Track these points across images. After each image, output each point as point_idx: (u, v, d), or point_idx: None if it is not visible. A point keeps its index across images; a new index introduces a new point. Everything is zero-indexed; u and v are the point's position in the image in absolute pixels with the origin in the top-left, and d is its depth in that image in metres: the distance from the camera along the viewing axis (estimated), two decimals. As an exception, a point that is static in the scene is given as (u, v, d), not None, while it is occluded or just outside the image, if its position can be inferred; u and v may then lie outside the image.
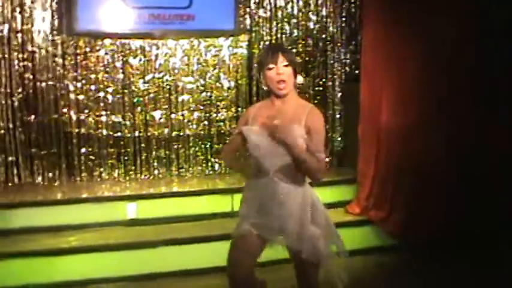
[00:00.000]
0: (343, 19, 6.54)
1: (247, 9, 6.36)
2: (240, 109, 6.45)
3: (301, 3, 6.46)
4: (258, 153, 3.05)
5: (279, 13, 6.42)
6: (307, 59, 6.54)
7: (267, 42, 6.37)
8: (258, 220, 3.10)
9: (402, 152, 5.38)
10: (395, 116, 5.40)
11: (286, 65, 3.03)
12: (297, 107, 3.10)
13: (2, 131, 5.92)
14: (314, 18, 6.50)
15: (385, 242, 5.43)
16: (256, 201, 3.12)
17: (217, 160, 6.48)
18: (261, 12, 6.40)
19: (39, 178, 6.08)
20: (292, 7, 6.45)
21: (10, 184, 6.00)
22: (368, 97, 5.63)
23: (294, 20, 6.48)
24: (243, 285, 3.16)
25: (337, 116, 6.68)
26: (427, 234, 5.23)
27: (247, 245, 3.13)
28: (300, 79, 3.20)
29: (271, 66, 3.02)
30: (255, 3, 6.38)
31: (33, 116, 6.01)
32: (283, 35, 6.47)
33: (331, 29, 6.54)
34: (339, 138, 6.72)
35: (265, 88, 3.14)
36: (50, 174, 6.09)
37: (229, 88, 6.42)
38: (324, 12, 6.51)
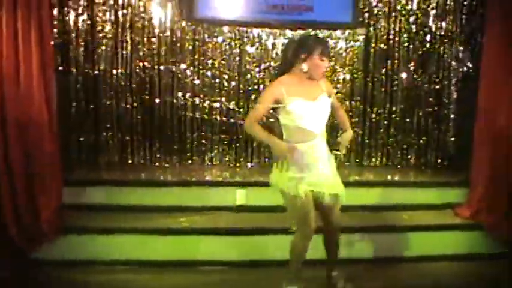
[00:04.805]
0: (463, 16, 6.34)
1: (366, 3, 6.26)
2: (353, 103, 6.40)
3: (421, -2, 6.33)
4: (304, 122, 3.71)
5: (398, 7, 6.30)
6: (424, 55, 6.39)
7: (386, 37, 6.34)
8: (310, 179, 3.72)
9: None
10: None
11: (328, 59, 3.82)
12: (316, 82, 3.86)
13: (120, 111, 6.09)
14: (433, 13, 6.34)
15: (495, 248, 5.18)
16: (305, 162, 3.71)
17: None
18: (379, 6, 6.29)
19: (152, 159, 6.22)
20: (412, 2, 6.32)
21: (124, 163, 6.18)
22: (486, 97, 5.41)
23: (413, 15, 6.34)
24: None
25: (452, 115, 6.50)
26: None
27: (310, 203, 3.76)
28: None
29: (324, 58, 3.73)
30: (374, -4, 6.28)
31: (149, 98, 6.14)
32: (401, 30, 6.34)
33: (450, 26, 6.36)
34: (452, 139, 6.54)
35: (304, 70, 3.72)
36: (163, 156, 6.23)
37: (344, 81, 6.35)
38: (443, 9, 6.33)
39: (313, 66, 3.71)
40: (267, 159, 6.33)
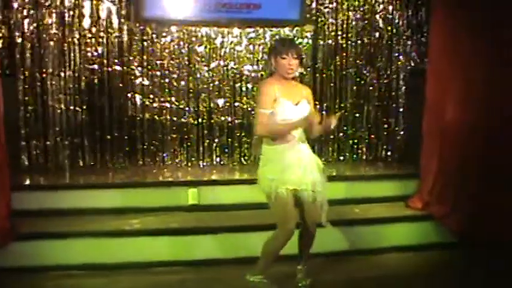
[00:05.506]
0: (410, 11, 6.46)
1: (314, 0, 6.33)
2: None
3: (367, -6, 6.41)
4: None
5: (345, 4, 6.38)
6: (372, 51, 6.49)
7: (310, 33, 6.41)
8: (289, 177, 3.77)
9: (467, 147, 5.22)
10: (462, 111, 5.24)
11: (295, 58, 3.79)
12: (299, 87, 4.02)
13: (69, 114, 6.02)
14: (380, 9, 6.44)
15: (445, 238, 5.28)
16: (284, 162, 3.78)
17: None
18: (327, 2, 6.36)
19: (103, 161, 6.18)
20: (359, -2, 6.40)
21: (75, 166, 6.10)
22: (433, 91, 5.49)
23: (360, 12, 6.43)
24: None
25: (401, 109, 6.60)
26: (488, 233, 5.04)
27: (291, 202, 3.83)
28: (301, 70, 4.01)
29: (285, 56, 3.76)
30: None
31: (98, 100, 6.09)
32: (349, 26, 6.43)
33: (397, 21, 6.47)
34: (402, 132, 6.64)
35: (273, 69, 3.87)
36: (114, 158, 6.19)
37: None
38: (390, 4, 6.44)
39: (278, 66, 3.81)
40: (218, 159, 6.39)
